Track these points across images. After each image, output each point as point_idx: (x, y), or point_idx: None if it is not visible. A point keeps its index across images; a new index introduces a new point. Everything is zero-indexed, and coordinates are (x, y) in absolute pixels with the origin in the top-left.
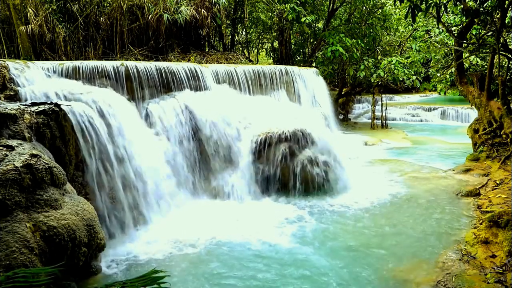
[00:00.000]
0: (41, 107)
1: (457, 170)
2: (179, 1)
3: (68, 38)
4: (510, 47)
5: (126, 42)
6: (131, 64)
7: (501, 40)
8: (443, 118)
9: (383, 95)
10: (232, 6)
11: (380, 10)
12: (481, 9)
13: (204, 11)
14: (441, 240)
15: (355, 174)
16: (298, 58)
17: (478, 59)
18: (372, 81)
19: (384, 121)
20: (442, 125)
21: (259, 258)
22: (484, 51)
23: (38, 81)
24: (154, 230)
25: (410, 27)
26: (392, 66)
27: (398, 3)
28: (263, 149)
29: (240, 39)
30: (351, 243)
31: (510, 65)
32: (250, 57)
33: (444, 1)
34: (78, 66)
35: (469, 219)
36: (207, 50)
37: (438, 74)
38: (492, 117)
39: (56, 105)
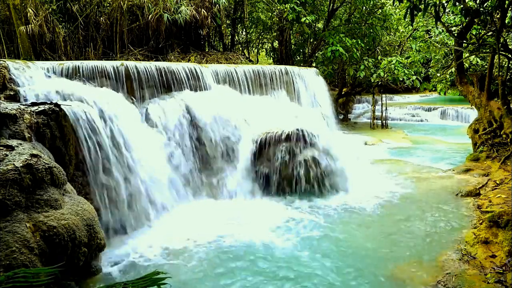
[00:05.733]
0: (41, 107)
1: (457, 170)
2: (179, 1)
3: (68, 38)
4: (510, 47)
5: (126, 42)
6: (131, 64)
7: (501, 40)
8: (443, 118)
9: (383, 95)
10: (232, 6)
11: (380, 10)
12: (481, 9)
13: (204, 11)
14: (441, 240)
15: (355, 174)
16: (298, 58)
17: (478, 59)
18: (372, 81)
19: (384, 121)
20: (442, 125)
21: (258, 258)
22: (484, 51)
23: (38, 81)
24: (154, 230)
25: (410, 27)
26: (392, 66)
27: (397, 3)
28: (263, 149)
29: (240, 39)
30: (350, 243)
31: (510, 65)
32: (250, 57)
33: (444, 1)
34: (78, 66)
35: (469, 219)
36: (207, 50)
37: (438, 74)
38: (492, 117)
39: (56, 105)
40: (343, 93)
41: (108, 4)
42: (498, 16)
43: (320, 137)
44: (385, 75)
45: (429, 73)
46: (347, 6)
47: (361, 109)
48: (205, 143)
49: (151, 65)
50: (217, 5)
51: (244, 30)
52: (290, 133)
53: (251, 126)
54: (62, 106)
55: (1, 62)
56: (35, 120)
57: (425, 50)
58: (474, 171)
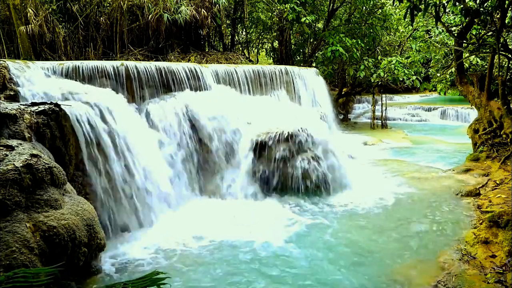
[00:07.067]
0: (41, 107)
1: (457, 170)
2: (179, 1)
3: (68, 38)
4: (510, 47)
5: (126, 42)
6: (131, 64)
7: (501, 40)
8: (443, 118)
9: (383, 95)
10: (232, 6)
11: (380, 10)
12: (481, 9)
13: (204, 11)
14: (441, 240)
15: (355, 174)
16: (298, 58)
17: (478, 59)
18: (372, 81)
19: (384, 121)
20: (442, 125)
21: (258, 259)
22: (484, 51)
23: (38, 81)
24: (155, 230)
25: (410, 27)
26: (392, 66)
27: (397, 3)
28: (263, 149)
29: (240, 39)
30: (351, 243)
31: (510, 65)
32: (250, 57)
33: (444, 1)
34: (78, 66)
35: (469, 219)
36: (207, 50)
37: (438, 74)
38: (492, 117)
39: (56, 105)
40: (343, 93)
41: (108, 4)
42: (498, 16)
43: (320, 137)
44: (385, 75)
45: (429, 73)
46: (347, 6)
47: (361, 109)
48: (205, 143)
49: (151, 65)
50: (217, 5)
51: (244, 30)
52: (290, 133)
53: (251, 126)
54: (62, 106)
55: (1, 62)
56: (35, 120)
57: (425, 50)
58: (474, 171)
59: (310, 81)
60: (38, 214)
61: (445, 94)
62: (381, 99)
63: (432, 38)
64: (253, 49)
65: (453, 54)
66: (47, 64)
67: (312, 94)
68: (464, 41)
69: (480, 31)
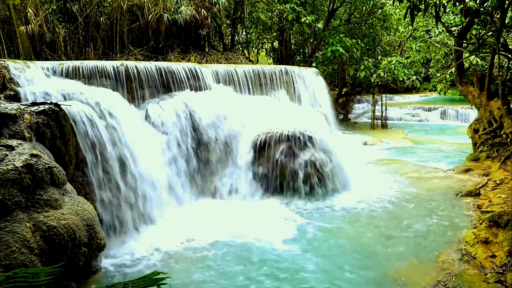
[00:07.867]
0: (41, 107)
1: (457, 170)
2: (179, 1)
3: (68, 38)
4: (510, 47)
5: (126, 42)
6: (131, 64)
7: (501, 40)
8: (443, 118)
9: (383, 95)
10: (232, 6)
11: (380, 10)
12: (481, 9)
13: (204, 11)
14: (441, 240)
15: (355, 174)
16: (298, 58)
17: (478, 59)
18: (372, 81)
19: (384, 121)
20: (442, 125)
21: (257, 259)
22: (484, 51)
23: (38, 81)
24: (154, 230)
25: (410, 27)
26: (392, 66)
27: (397, 3)
28: (263, 149)
29: (240, 39)
30: (351, 244)
31: (510, 65)
32: (250, 57)
33: (444, 1)
34: (78, 66)
35: (469, 219)
36: (207, 50)
37: (438, 74)
38: (492, 117)
39: (56, 105)
40: (343, 93)
41: (108, 4)
42: (498, 16)
43: (320, 138)
44: (385, 75)
45: (429, 73)
46: (347, 6)
47: (361, 109)
48: (205, 143)
49: (151, 65)
50: (217, 5)
51: (244, 30)
52: (290, 133)
53: (251, 126)
54: (62, 106)
55: (1, 62)
56: (35, 120)
57: (425, 50)
58: (474, 171)
59: (310, 81)
60: (38, 214)
61: (445, 94)
62: (381, 99)
63: (432, 38)
64: (253, 49)
65: (453, 54)
66: (47, 64)
67: (312, 94)
68: (464, 41)
69: (480, 31)
